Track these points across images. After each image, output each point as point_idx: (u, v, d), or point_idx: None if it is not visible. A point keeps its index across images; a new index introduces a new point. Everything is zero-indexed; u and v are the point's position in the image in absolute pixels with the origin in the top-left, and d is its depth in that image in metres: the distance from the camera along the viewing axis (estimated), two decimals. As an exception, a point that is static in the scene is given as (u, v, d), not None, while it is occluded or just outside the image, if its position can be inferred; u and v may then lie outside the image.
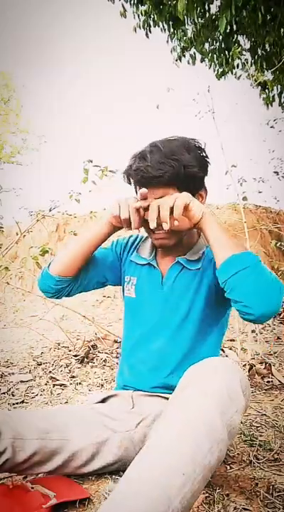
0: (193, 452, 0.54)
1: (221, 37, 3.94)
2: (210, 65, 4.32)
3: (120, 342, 2.28)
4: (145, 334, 0.98)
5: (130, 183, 0.95)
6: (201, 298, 0.93)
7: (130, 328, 1.04)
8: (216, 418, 0.58)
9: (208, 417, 0.58)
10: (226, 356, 2.03)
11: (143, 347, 0.98)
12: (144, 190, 0.84)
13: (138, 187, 0.90)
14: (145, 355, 0.97)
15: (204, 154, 0.92)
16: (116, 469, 0.90)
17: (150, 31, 4.16)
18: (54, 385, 1.75)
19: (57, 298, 1.05)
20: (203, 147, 0.92)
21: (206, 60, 4.30)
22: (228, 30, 3.78)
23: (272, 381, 1.64)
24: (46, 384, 1.77)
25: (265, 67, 3.99)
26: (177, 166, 0.84)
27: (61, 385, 1.75)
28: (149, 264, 1.00)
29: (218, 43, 4.10)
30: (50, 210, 2.38)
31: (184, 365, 0.77)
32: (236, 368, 0.69)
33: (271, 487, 0.85)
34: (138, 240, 1.09)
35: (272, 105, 4.60)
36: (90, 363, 2.06)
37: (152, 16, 4.01)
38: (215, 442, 0.57)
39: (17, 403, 1.55)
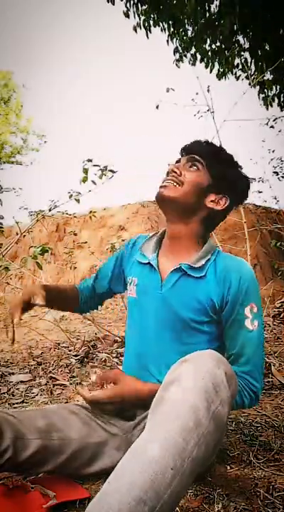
0: (181, 447, 0.55)
1: (221, 37, 3.94)
2: (209, 65, 4.32)
3: (120, 342, 2.28)
4: (147, 334, 0.97)
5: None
6: (200, 307, 0.90)
7: (132, 329, 1.03)
8: (202, 412, 0.59)
9: (194, 411, 0.58)
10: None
11: (143, 347, 0.98)
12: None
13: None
14: (144, 354, 0.97)
15: (246, 192, 1.01)
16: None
17: (150, 31, 4.16)
18: (54, 385, 1.75)
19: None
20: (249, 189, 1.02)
21: (205, 59, 4.30)
22: (228, 31, 3.78)
23: (272, 381, 1.64)
24: (46, 384, 1.77)
25: (264, 67, 3.99)
26: (217, 154, 0.98)
27: (61, 385, 1.76)
28: (149, 264, 0.99)
29: (218, 43, 4.10)
30: (50, 210, 2.37)
31: None
32: (220, 359, 0.69)
33: (271, 487, 0.85)
34: (144, 239, 1.09)
35: (271, 105, 4.60)
36: (90, 363, 2.06)
37: (152, 16, 4.02)
38: (202, 436, 0.58)
39: (17, 403, 1.55)
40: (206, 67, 4.33)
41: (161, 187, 0.94)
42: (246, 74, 4.31)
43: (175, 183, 0.93)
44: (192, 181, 0.94)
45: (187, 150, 0.99)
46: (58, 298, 1.11)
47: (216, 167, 0.96)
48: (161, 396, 0.66)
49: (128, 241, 1.15)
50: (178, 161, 1.00)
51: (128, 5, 4.02)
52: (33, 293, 0.96)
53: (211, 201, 0.96)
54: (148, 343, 0.96)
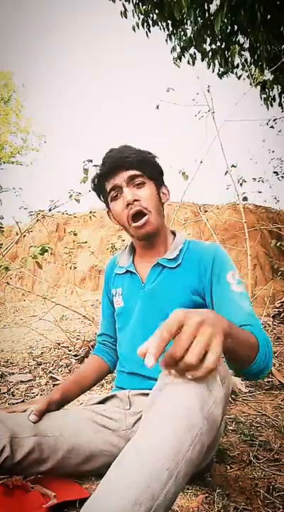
0: (175, 447, 0.54)
1: (220, 36, 3.94)
2: (209, 65, 4.32)
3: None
4: (135, 337, 0.99)
5: (98, 191, 1.01)
6: (183, 296, 0.93)
7: (123, 335, 1.04)
8: (196, 412, 0.59)
9: (189, 411, 0.58)
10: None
11: (134, 349, 0.98)
12: None
13: (103, 182, 0.97)
14: (136, 356, 0.97)
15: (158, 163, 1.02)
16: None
17: (149, 30, 4.16)
18: (54, 385, 1.75)
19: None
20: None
21: (206, 59, 4.30)
22: (228, 30, 3.79)
23: (272, 381, 1.64)
24: (46, 384, 1.77)
25: (265, 67, 3.99)
26: (140, 153, 0.95)
27: (61, 385, 1.76)
28: (128, 271, 1.03)
29: (218, 43, 4.10)
30: (50, 210, 2.38)
31: None
32: None
33: (271, 487, 0.85)
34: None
35: (272, 105, 4.60)
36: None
37: (151, 15, 4.02)
38: (196, 436, 0.57)
39: (17, 403, 1.55)
40: (209, 66, 4.33)
41: (139, 227, 0.93)
42: (247, 73, 4.31)
43: (146, 215, 0.93)
44: (150, 199, 0.94)
45: (119, 166, 0.94)
46: (80, 386, 1.04)
47: (151, 169, 0.97)
48: (155, 397, 0.66)
49: (107, 264, 1.17)
50: (104, 180, 0.96)
51: (126, 4, 4.02)
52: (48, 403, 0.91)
53: (163, 196, 1.01)
54: (139, 344, 0.96)
